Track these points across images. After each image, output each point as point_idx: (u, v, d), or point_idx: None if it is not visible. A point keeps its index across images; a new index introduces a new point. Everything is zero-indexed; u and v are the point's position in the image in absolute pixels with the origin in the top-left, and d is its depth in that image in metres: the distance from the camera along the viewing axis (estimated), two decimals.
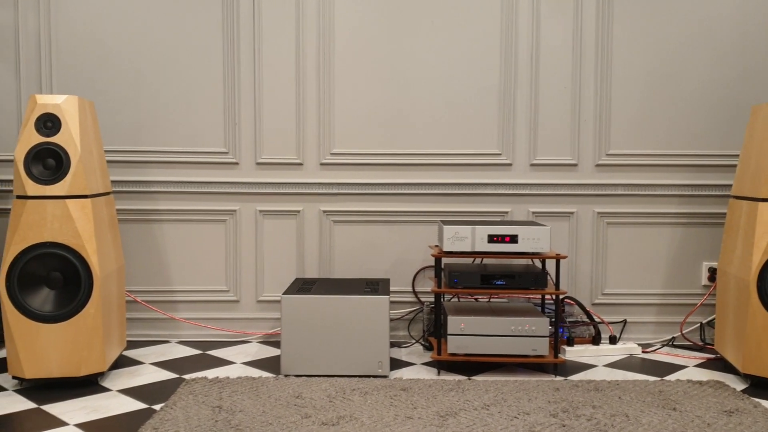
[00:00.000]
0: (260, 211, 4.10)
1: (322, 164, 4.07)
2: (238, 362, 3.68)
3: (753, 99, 4.01)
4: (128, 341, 4.07)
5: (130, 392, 3.20)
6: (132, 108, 4.04)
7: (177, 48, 4.02)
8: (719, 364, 3.69)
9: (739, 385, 3.34)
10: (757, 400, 3.12)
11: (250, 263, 4.12)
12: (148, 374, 3.47)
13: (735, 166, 4.03)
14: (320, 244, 4.11)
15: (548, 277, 3.58)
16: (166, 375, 3.45)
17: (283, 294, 3.45)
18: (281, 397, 3.09)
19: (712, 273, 4.07)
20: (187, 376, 3.43)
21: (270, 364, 3.64)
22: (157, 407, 3.00)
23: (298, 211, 4.10)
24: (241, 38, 4.03)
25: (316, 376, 3.41)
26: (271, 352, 3.88)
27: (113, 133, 4.05)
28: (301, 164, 4.08)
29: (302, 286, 3.66)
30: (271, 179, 4.08)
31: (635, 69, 4.02)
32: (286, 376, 3.42)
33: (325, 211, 4.09)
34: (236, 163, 4.08)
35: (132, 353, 3.83)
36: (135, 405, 3.03)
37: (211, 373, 3.47)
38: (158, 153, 4.06)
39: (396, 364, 3.66)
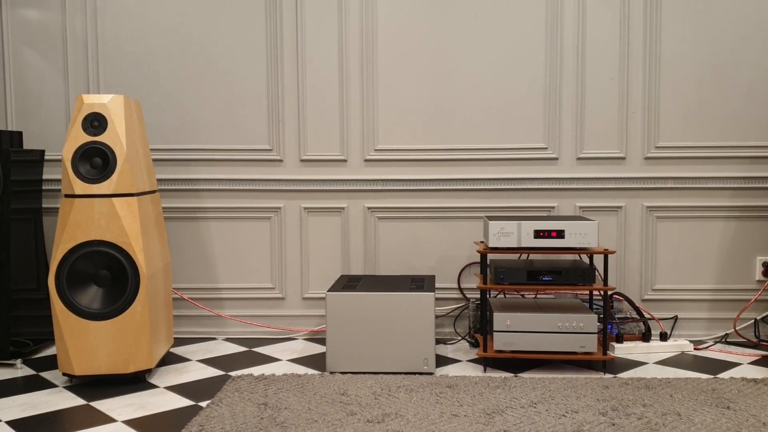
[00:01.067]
0: (305, 208, 4.10)
1: (366, 160, 4.06)
2: (283, 359, 3.68)
3: None
4: (175, 338, 4.11)
5: (176, 389, 3.22)
6: (177, 106, 4.08)
7: (220, 46, 4.04)
8: None
9: None
10: None
11: (295, 260, 4.13)
12: (195, 371, 3.49)
13: None
14: (365, 240, 4.10)
15: (596, 273, 3.52)
16: (213, 372, 3.48)
17: (328, 291, 3.44)
18: (326, 394, 3.09)
19: (767, 267, 3.96)
20: (233, 373, 3.44)
21: (315, 361, 3.64)
22: (203, 404, 3.01)
23: (343, 208, 4.09)
24: (284, 35, 4.03)
25: (362, 374, 3.40)
26: (316, 349, 3.88)
27: (159, 132, 4.09)
28: (345, 161, 4.07)
29: (347, 283, 3.66)
30: (316, 176, 4.08)
31: (685, 59, 3.92)
32: (331, 373, 3.42)
33: (369, 208, 4.08)
34: (280, 161, 4.08)
35: (179, 350, 3.87)
36: (182, 402, 3.05)
37: (256, 371, 3.49)
38: (203, 151, 4.09)
39: (442, 361, 3.63)
